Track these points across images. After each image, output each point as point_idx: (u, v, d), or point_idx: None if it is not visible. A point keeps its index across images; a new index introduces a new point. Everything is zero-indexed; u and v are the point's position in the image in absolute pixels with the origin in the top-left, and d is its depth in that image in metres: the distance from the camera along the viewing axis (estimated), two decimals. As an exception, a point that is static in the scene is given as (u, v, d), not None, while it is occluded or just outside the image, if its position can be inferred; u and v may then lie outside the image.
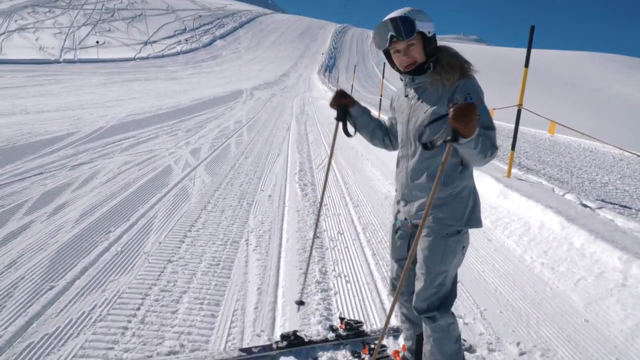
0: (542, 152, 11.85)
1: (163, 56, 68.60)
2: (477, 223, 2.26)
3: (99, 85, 27.14)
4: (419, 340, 2.50)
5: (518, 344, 2.97)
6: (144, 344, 2.80)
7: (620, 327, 3.15)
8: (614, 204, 6.55)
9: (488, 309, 3.43)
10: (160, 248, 4.24)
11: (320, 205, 2.92)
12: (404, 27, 2.04)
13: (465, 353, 2.82)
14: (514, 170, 7.46)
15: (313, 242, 3.00)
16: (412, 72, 2.15)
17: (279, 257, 4.20)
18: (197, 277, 3.71)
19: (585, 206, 5.50)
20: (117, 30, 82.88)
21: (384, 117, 2.42)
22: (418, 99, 2.19)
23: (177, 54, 71.87)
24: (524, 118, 7.67)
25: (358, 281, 3.79)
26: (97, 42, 67.27)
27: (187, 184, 6.58)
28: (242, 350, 2.78)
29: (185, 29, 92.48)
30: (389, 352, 2.79)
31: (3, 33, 65.72)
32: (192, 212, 5.35)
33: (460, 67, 2.09)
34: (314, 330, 3.03)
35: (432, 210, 2.19)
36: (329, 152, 9.39)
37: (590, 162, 11.04)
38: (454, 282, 2.33)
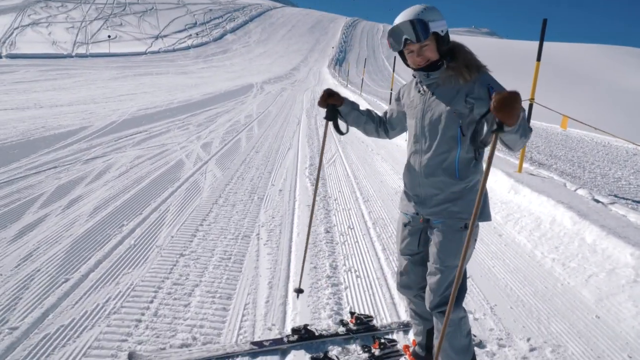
0: (554, 147, 11.75)
1: (174, 50, 68.86)
2: (488, 216, 2.27)
3: (110, 79, 27.35)
4: (429, 335, 2.52)
5: (528, 339, 2.97)
6: (157, 337, 2.85)
7: (632, 324, 3.14)
8: (626, 199, 6.49)
9: (498, 304, 3.43)
10: (172, 242, 4.30)
11: (312, 207, 2.94)
12: (419, 30, 2.06)
13: (476, 348, 2.83)
14: (525, 165, 7.41)
15: (308, 235, 3.02)
16: (426, 69, 2.17)
17: (290, 251, 4.23)
18: (209, 271, 3.75)
19: (598, 201, 5.46)
20: (129, 24, 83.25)
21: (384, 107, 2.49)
22: (432, 94, 2.21)
23: (188, 48, 72.07)
24: (536, 112, 7.61)
25: (368, 276, 3.81)
26: (109, 36, 67.65)
27: (199, 178, 6.64)
28: (253, 343, 2.81)
29: (196, 22, 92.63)
30: (399, 346, 2.81)
31: (17, 28, 66.33)
32: (204, 206, 5.40)
33: (476, 64, 2.13)
34: (324, 324, 3.05)
35: (446, 205, 2.21)
36: (334, 148, 9.42)
37: (603, 156, 10.92)
38: (465, 276, 2.35)
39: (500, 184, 6.30)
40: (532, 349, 2.87)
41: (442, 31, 2.10)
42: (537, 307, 3.41)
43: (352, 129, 2.59)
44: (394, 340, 2.83)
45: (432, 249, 2.27)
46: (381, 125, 2.57)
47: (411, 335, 2.96)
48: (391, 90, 20.59)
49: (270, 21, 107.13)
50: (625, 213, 5.04)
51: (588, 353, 2.86)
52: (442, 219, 2.23)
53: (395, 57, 21.95)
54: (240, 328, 3.00)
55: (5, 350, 2.62)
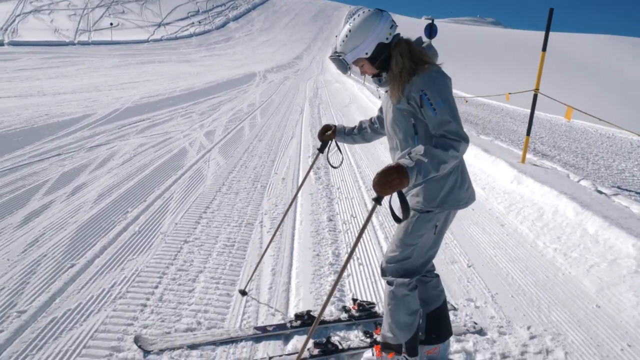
0: (557, 138, 11.73)
1: (176, 38, 68.59)
2: (455, 204, 2.30)
3: (113, 67, 27.31)
4: (428, 318, 2.57)
5: (529, 327, 3.01)
6: (162, 321, 2.89)
7: (632, 313, 3.16)
8: (630, 191, 6.49)
9: (500, 293, 3.46)
10: (176, 229, 4.33)
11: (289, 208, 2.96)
12: (340, 66, 2.25)
13: (476, 335, 2.87)
14: (528, 156, 7.41)
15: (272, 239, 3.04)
16: (377, 77, 2.30)
17: (293, 239, 4.27)
18: (213, 258, 3.79)
19: (600, 193, 5.47)
20: (131, 12, 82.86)
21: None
22: (387, 99, 2.35)
23: (190, 36, 71.78)
24: (540, 103, 7.58)
25: (371, 264, 3.84)
26: (111, 23, 67.38)
27: (202, 166, 6.66)
28: (257, 328, 2.85)
29: (199, 10, 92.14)
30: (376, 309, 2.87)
31: (19, 15, 66.09)
32: (207, 194, 5.43)
33: (413, 66, 2.15)
34: (327, 310, 3.09)
35: (410, 192, 2.31)
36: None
37: (607, 148, 10.90)
38: (424, 260, 2.42)
39: (503, 174, 6.31)
40: (532, 337, 2.90)
41: (366, 54, 2.18)
42: (538, 296, 3.43)
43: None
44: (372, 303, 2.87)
45: (398, 227, 2.41)
46: (376, 132, 2.76)
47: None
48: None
49: (273, 9, 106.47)
50: (628, 204, 5.05)
51: (588, 341, 2.89)
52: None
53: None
54: (244, 313, 3.04)
55: (14, 333, 2.66)
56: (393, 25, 2.20)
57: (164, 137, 8.51)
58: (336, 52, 2.24)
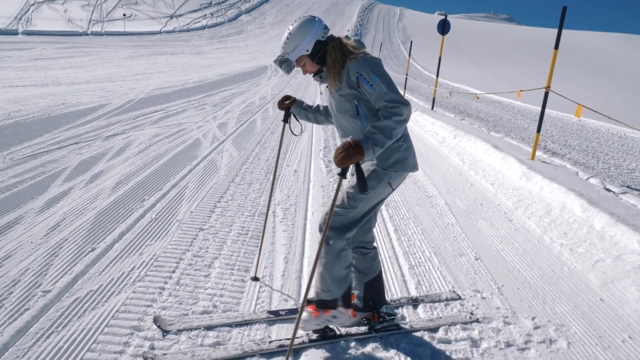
0: (568, 136, 11.71)
1: (189, 30, 68.80)
2: (405, 167, 2.60)
3: (126, 58, 27.54)
4: (366, 287, 2.79)
5: (533, 318, 3.10)
6: (180, 304, 3.02)
7: (635, 307, 3.24)
8: (639, 190, 6.52)
9: (506, 285, 3.55)
10: (192, 217, 4.46)
11: (268, 210, 3.05)
12: (284, 68, 2.56)
13: (482, 324, 2.97)
14: (538, 153, 7.45)
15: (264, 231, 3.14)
16: (317, 73, 2.61)
17: (305, 229, 4.38)
18: (228, 245, 3.91)
19: (609, 190, 5.52)
20: (144, 2, 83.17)
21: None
22: (330, 91, 2.63)
23: (203, 28, 71.96)
24: (553, 101, 7.61)
25: (380, 254, 3.94)
26: (124, 14, 67.71)
27: (216, 157, 6.79)
28: (270, 312, 2.97)
29: (211, 2, 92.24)
30: (397, 320, 2.94)
31: (32, 4, 66.64)
32: (221, 184, 5.56)
33: (342, 57, 2.48)
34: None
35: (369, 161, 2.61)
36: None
37: (619, 147, 10.87)
38: (364, 212, 2.62)
39: (512, 170, 6.37)
40: (536, 327, 3.00)
41: (307, 50, 2.51)
42: (543, 289, 3.52)
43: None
44: (392, 314, 2.96)
45: (350, 182, 2.64)
46: (329, 115, 2.99)
47: (419, 309, 3.11)
48: (406, 75, 20.50)
49: (286, 2, 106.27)
50: (636, 202, 5.11)
51: (590, 332, 2.98)
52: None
53: (411, 42, 21.80)
54: (257, 298, 3.16)
55: (40, 311, 2.80)
56: (326, 27, 2.57)
57: (178, 128, 8.65)
58: (280, 55, 2.56)
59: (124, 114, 9.56)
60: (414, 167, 2.67)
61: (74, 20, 62.58)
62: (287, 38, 2.52)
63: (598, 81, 41.31)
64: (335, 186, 2.30)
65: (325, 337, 2.73)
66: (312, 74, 2.64)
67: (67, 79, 15.19)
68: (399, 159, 2.57)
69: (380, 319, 2.87)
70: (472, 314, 3.10)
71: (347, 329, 2.83)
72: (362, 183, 2.29)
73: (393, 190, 2.66)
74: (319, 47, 2.52)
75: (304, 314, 2.59)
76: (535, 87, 8.53)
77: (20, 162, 5.70)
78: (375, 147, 2.24)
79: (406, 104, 2.33)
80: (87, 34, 53.18)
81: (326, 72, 2.55)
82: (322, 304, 2.61)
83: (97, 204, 4.60)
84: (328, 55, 2.51)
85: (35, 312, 2.78)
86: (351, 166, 2.24)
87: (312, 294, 2.64)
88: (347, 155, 2.17)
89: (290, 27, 2.54)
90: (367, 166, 2.58)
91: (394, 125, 2.28)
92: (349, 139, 2.57)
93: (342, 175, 2.25)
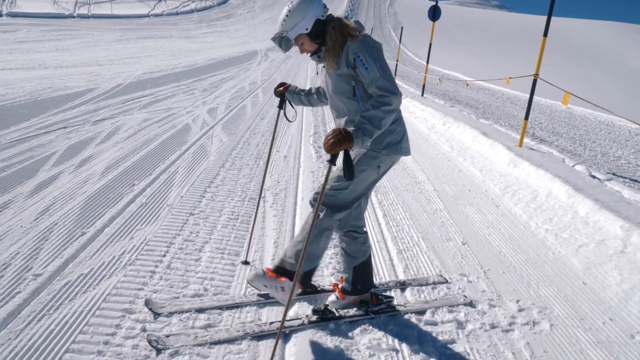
0: (556, 124, 11.83)
1: (177, 13, 67.76)
2: (398, 150, 2.63)
3: (114, 41, 27.12)
4: (355, 271, 2.84)
5: (517, 301, 3.18)
6: (171, 287, 3.05)
7: (616, 290, 3.34)
8: (624, 177, 6.63)
9: (491, 269, 3.63)
10: (182, 201, 4.48)
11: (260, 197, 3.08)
12: (283, 44, 2.52)
13: (468, 307, 3.04)
14: (526, 140, 7.54)
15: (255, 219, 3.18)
16: (316, 53, 2.59)
17: (294, 214, 4.41)
18: (218, 230, 3.94)
19: (594, 177, 5.62)
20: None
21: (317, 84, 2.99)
22: (327, 71, 2.63)
23: (191, 11, 70.90)
24: (541, 89, 7.67)
25: (369, 239, 3.99)
26: (111, -3, 66.37)
27: (206, 142, 6.78)
28: (260, 295, 3.02)
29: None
30: (395, 302, 3.01)
31: (17, -15, 65.04)
32: (211, 169, 5.56)
33: (342, 38, 2.47)
34: (326, 281, 3.25)
35: None
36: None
37: (605, 135, 11.01)
38: (355, 196, 2.65)
39: (500, 157, 6.44)
40: (520, 310, 3.08)
41: (306, 29, 2.48)
42: (527, 273, 3.60)
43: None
44: (390, 297, 3.02)
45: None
46: (320, 99, 3.02)
47: (407, 293, 3.18)
48: (397, 61, 20.45)
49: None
50: (620, 189, 5.21)
51: (572, 315, 3.07)
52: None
53: (402, 28, 21.72)
54: (248, 282, 3.19)
55: (32, 294, 2.82)
56: (325, 7, 2.56)
57: (167, 112, 8.59)
58: (278, 32, 2.52)
59: (113, 99, 9.47)
60: (407, 151, 2.70)
61: (60, 2, 61.30)
62: (287, 15, 2.47)
63: (585, 69, 41.58)
64: (325, 172, 2.30)
65: (324, 318, 2.79)
66: (309, 53, 2.62)
67: (54, 62, 14.96)
68: (392, 141, 2.60)
69: (378, 302, 2.93)
70: (465, 296, 3.17)
71: (344, 310, 2.88)
72: (349, 171, 2.29)
73: (380, 175, 2.69)
74: (319, 26, 2.49)
75: (258, 270, 2.68)
76: (524, 74, 8.59)
77: (8, 147, 5.65)
78: (364, 137, 2.25)
79: (396, 93, 2.34)
80: (73, 17, 52.17)
81: (325, 53, 2.53)
82: (281, 271, 2.66)
83: (87, 188, 4.59)
84: (328, 35, 2.49)
85: (27, 295, 2.80)
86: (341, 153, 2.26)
87: (276, 261, 2.75)
88: (337, 141, 2.18)
89: (290, 5, 2.49)
90: (358, 149, 2.59)
91: (382, 115, 2.31)
92: (342, 120, 2.59)
93: (332, 162, 2.27)
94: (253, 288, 2.97)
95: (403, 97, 13.13)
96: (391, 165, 2.72)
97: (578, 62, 46.08)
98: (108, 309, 2.76)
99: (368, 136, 2.27)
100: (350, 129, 2.23)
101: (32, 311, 2.67)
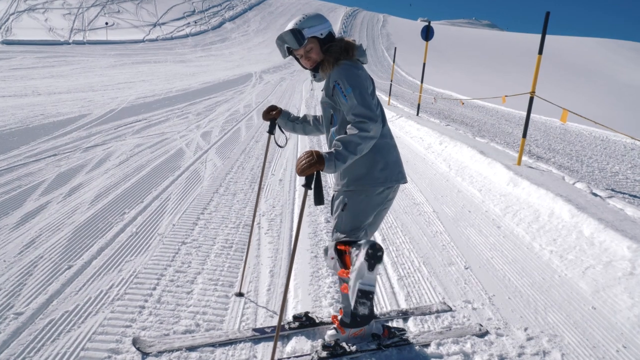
0: (552, 141, 11.79)
1: (172, 38, 68.36)
2: (371, 182, 2.49)
3: (108, 67, 27.19)
4: (354, 303, 2.63)
5: (526, 329, 3.03)
6: (161, 323, 2.89)
7: (627, 315, 3.19)
8: (624, 193, 6.53)
9: (496, 294, 3.48)
10: (174, 230, 4.33)
11: (253, 221, 2.96)
12: (295, 37, 2.42)
13: (474, 337, 2.88)
14: (524, 158, 7.45)
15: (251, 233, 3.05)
16: (313, 70, 2.54)
17: (291, 241, 4.27)
18: (211, 259, 3.79)
19: (595, 195, 5.51)
20: (126, 11, 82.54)
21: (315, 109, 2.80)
22: (321, 90, 2.60)
23: (186, 36, 71.56)
24: (536, 106, 7.62)
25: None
26: (107, 23, 67.07)
27: (199, 167, 6.65)
28: (255, 330, 2.86)
29: (194, 10, 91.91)
30: (407, 335, 2.84)
31: (13, 13, 65.70)
32: (205, 195, 5.42)
33: (334, 59, 2.43)
34: (325, 312, 3.10)
35: (338, 180, 2.63)
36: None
37: (601, 150, 10.96)
38: (349, 229, 2.56)
39: (499, 176, 6.34)
40: (529, 339, 2.92)
41: (321, 34, 2.45)
42: (534, 298, 3.46)
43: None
44: (402, 329, 2.86)
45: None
46: (319, 125, 2.92)
47: (410, 323, 3.02)
48: (391, 81, 20.55)
49: (269, 10, 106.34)
50: (623, 207, 5.09)
51: (584, 343, 2.92)
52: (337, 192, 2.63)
53: (395, 48, 21.90)
54: (242, 315, 3.04)
55: (12, 335, 2.65)
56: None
57: (160, 137, 8.49)
58: (291, 27, 2.43)
59: (105, 124, 9.37)
60: (385, 181, 2.51)
61: (55, 29, 61.75)
62: (302, 18, 2.45)
63: (578, 85, 41.96)
64: (303, 198, 2.28)
65: (334, 354, 2.63)
66: (309, 66, 2.54)
67: (47, 88, 14.89)
68: (357, 176, 2.50)
69: (391, 335, 2.78)
70: (481, 325, 3.02)
71: (356, 345, 2.72)
72: (317, 195, 2.20)
73: (379, 203, 2.57)
74: (331, 39, 2.49)
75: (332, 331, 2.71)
76: (518, 92, 8.57)
77: (-5, 176, 5.50)
78: (337, 161, 2.17)
79: (374, 120, 2.26)
80: (68, 43, 52.49)
81: (321, 68, 2.50)
82: (344, 324, 2.69)
83: (75, 218, 4.44)
84: (330, 51, 2.46)
85: (6, 337, 2.63)
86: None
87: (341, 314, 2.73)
88: (307, 164, 2.12)
89: (300, 15, 2.48)
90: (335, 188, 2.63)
91: (358, 141, 2.22)
92: (314, 148, 2.58)
93: (307, 186, 2.20)
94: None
95: (398, 117, 13.11)
96: (388, 194, 2.59)
97: (569, 79, 46.57)
98: (93, 349, 2.59)
99: (341, 161, 2.19)
100: (324, 152, 2.18)
101: (12, 354, 2.50)
